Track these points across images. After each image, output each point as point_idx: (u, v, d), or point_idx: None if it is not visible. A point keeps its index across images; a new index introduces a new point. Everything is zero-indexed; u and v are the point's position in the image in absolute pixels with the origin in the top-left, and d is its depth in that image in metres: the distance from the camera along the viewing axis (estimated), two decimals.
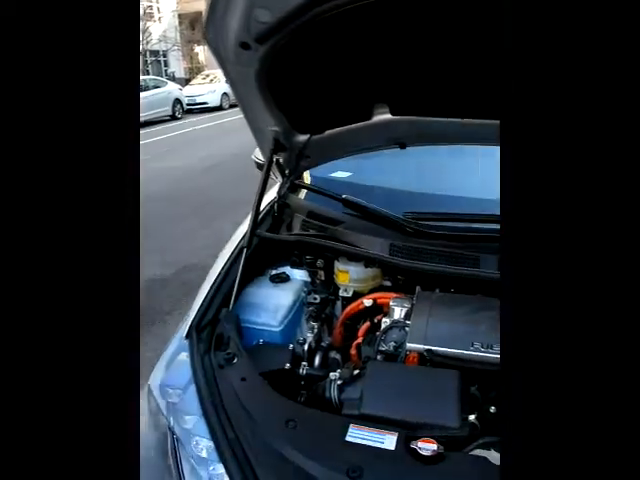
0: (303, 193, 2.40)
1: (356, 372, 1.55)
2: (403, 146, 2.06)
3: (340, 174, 2.61)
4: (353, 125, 1.90)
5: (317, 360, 1.80)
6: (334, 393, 1.52)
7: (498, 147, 2.16)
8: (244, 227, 2.01)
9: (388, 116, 1.84)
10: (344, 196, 2.13)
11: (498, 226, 1.96)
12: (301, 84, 1.77)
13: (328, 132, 1.98)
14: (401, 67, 1.61)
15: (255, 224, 1.92)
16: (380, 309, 1.89)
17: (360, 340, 1.82)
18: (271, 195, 2.28)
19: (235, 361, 1.52)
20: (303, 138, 2.05)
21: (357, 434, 1.30)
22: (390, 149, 2.12)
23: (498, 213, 1.98)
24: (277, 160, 2.12)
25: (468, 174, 2.54)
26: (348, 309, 1.96)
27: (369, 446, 1.27)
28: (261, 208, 2.11)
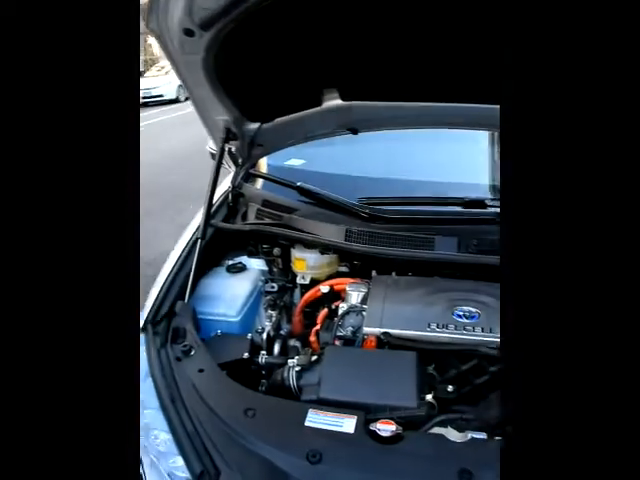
0: (259, 182, 2.38)
1: (314, 358, 1.55)
2: (355, 132, 2.06)
3: (295, 162, 2.60)
4: (304, 112, 1.90)
5: (276, 348, 1.80)
6: (292, 380, 1.52)
7: (452, 129, 2.19)
8: (198, 218, 1.99)
9: (338, 101, 1.84)
10: (298, 184, 2.12)
11: (452, 208, 2.01)
12: (249, 71, 1.76)
13: (279, 119, 1.96)
14: (349, 52, 1.61)
15: (209, 215, 1.90)
16: (338, 295, 1.90)
17: (319, 327, 1.83)
18: (226, 185, 2.26)
19: (192, 353, 1.51)
20: (254, 126, 2.04)
21: (316, 419, 1.31)
22: (343, 135, 2.12)
23: (452, 195, 2.02)
24: (230, 149, 2.10)
25: (422, 157, 2.56)
26: (306, 296, 1.97)
27: (328, 430, 1.27)
28: (215, 198, 2.09)
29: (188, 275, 1.76)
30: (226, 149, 2.03)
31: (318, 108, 1.88)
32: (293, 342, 1.85)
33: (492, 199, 2.04)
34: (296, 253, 2.00)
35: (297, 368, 1.53)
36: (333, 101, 1.84)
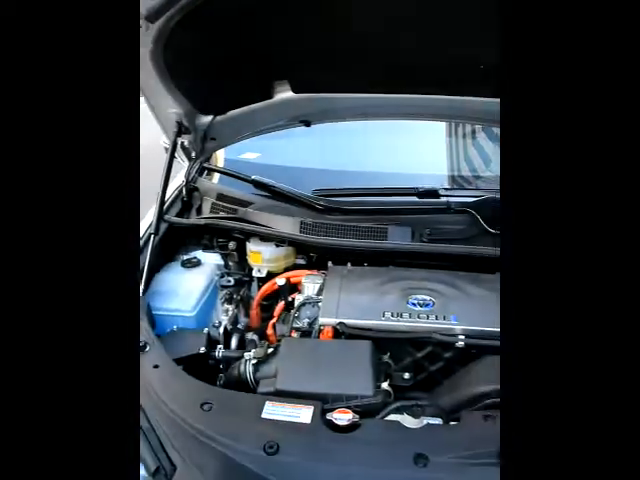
0: (215, 176, 2.36)
1: (270, 350, 1.56)
2: (308, 124, 2.06)
3: (250, 155, 2.59)
4: (256, 104, 1.89)
5: (234, 342, 1.80)
6: (249, 373, 1.52)
7: (404, 121, 2.20)
8: (151, 214, 1.96)
9: (290, 94, 1.83)
10: (253, 177, 2.11)
11: (405, 198, 2.03)
12: (199, 63, 1.73)
13: (231, 113, 1.95)
14: (298, 43, 1.61)
15: (161, 210, 1.87)
16: (295, 288, 1.90)
17: (276, 319, 1.83)
18: (179, 179, 2.23)
19: (147, 349, 1.49)
20: (207, 120, 2.02)
21: (273, 410, 1.31)
22: (296, 127, 2.11)
23: (405, 185, 2.04)
24: (182, 143, 2.07)
25: (375, 149, 2.58)
26: (263, 290, 1.97)
27: (285, 421, 1.28)
28: (168, 193, 2.06)
29: (142, 271, 1.74)
30: (179, 143, 2.00)
31: (270, 101, 1.87)
32: (251, 335, 1.85)
33: (445, 189, 2.07)
34: (252, 246, 1.99)
35: (253, 361, 1.53)
36: (284, 93, 1.84)
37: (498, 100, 1.70)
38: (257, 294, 2.00)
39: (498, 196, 2.09)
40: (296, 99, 1.84)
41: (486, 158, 2.71)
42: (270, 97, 1.85)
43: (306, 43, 1.63)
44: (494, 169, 2.65)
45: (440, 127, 2.78)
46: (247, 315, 2.04)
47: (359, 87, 1.85)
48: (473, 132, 2.80)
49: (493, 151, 2.73)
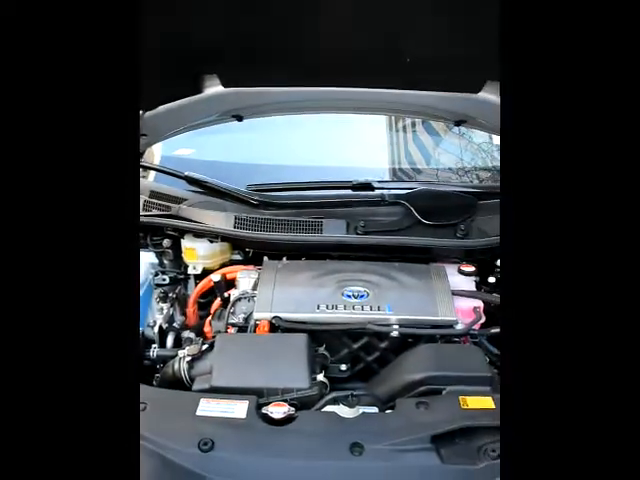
0: (149, 174, 2.31)
1: (205, 347, 1.54)
2: (240, 118, 2.04)
3: (184, 151, 2.56)
4: (186, 99, 1.85)
5: (169, 341, 1.77)
6: (184, 370, 1.51)
7: (340, 114, 2.19)
8: None
9: (220, 88, 1.81)
10: (186, 173, 2.08)
11: (340, 191, 2.04)
12: None
13: (161, 108, 1.90)
14: (225, 37, 1.58)
15: None
16: (232, 284, 1.89)
17: (212, 316, 1.81)
18: None
19: None
20: None
21: (208, 407, 1.30)
22: (229, 122, 2.09)
23: (340, 179, 2.04)
24: None
25: (311, 143, 2.58)
26: (199, 287, 1.95)
27: (220, 417, 1.27)
28: None
29: None
30: None
31: (200, 95, 1.83)
32: (187, 334, 1.82)
33: (379, 181, 2.09)
34: (186, 243, 1.96)
35: (188, 358, 1.52)
36: (214, 88, 1.81)
37: (428, 93, 1.77)
38: (193, 292, 1.97)
39: (431, 187, 2.14)
40: (226, 93, 1.82)
41: (424, 151, 2.77)
42: (200, 91, 1.82)
43: (235, 36, 1.61)
44: (431, 162, 2.72)
45: (379, 120, 2.81)
46: (183, 313, 2.01)
47: (291, 81, 1.85)
48: (413, 125, 2.84)
49: (431, 144, 2.79)
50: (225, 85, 1.79)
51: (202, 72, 1.74)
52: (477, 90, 1.74)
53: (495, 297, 1.79)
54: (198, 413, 1.28)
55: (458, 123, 2.04)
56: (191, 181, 2.08)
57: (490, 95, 1.74)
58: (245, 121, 2.10)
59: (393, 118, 2.82)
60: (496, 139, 2.62)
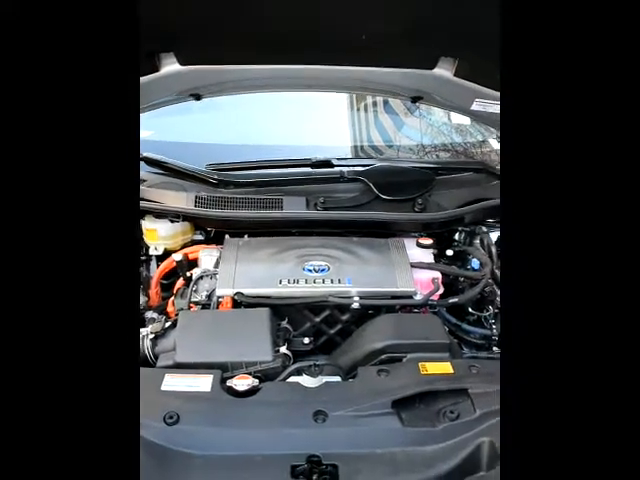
0: None
1: (168, 324, 1.55)
2: (198, 97, 2.02)
3: (142, 134, 2.51)
4: (142, 79, 1.83)
5: None
6: (147, 348, 1.51)
7: (299, 92, 2.18)
8: None
9: (177, 67, 1.79)
10: (144, 154, 2.06)
11: (299, 169, 2.05)
12: None
13: None
14: (179, 12, 1.57)
15: None
16: (195, 264, 1.89)
17: (174, 295, 1.81)
18: None
19: None
20: None
21: (172, 382, 1.31)
22: (187, 102, 2.08)
23: (300, 157, 2.05)
24: None
25: (270, 122, 2.58)
26: (161, 268, 1.93)
27: (185, 392, 1.28)
28: None
29: None
30: None
31: (156, 74, 1.81)
32: (150, 314, 1.82)
33: (338, 159, 2.10)
34: (147, 224, 1.95)
35: (151, 336, 1.52)
36: (171, 66, 1.79)
37: (384, 70, 1.78)
38: (155, 273, 1.96)
39: (389, 164, 2.17)
40: (184, 72, 1.80)
41: (384, 130, 2.79)
42: (156, 70, 1.80)
43: (189, 13, 1.59)
44: (391, 141, 2.74)
45: (340, 99, 2.82)
46: (146, 295, 2.00)
47: (249, 58, 1.84)
48: (374, 104, 2.86)
49: (391, 124, 2.82)
50: (182, 63, 1.77)
51: (158, 50, 1.72)
52: (432, 66, 1.76)
53: (453, 269, 1.84)
54: (163, 388, 1.29)
55: (415, 100, 2.07)
56: (149, 162, 2.06)
57: (445, 71, 1.77)
58: (204, 101, 2.08)
59: (354, 97, 2.83)
60: (454, 118, 2.67)
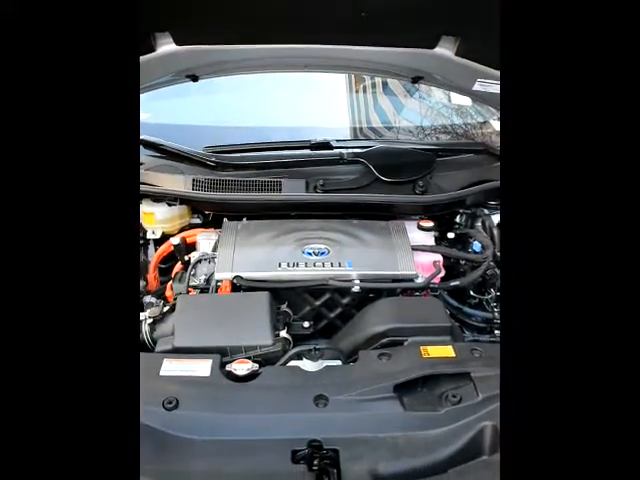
0: None
1: (166, 309, 1.53)
2: (195, 79, 1.99)
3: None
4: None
5: None
6: (146, 333, 1.50)
7: (298, 72, 2.15)
8: None
9: (173, 47, 1.75)
10: (142, 137, 2.03)
11: (299, 152, 2.03)
12: None
13: None
14: None
15: None
16: (193, 248, 1.87)
17: (172, 279, 1.80)
18: None
19: None
20: None
21: (171, 367, 1.29)
22: (184, 83, 2.04)
23: (298, 139, 2.02)
24: None
25: (268, 104, 2.55)
26: (159, 252, 1.92)
27: (184, 376, 1.27)
28: None
29: None
30: None
31: (152, 54, 1.78)
32: (149, 298, 1.80)
33: (338, 140, 2.07)
34: (144, 208, 1.93)
35: (149, 321, 1.51)
36: (167, 46, 1.76)
37: (385, 49, 1.75)
38: (153, 257, 1.95)
39: (389, 145, 2.14)
40: (180, 52, 1.76)
41: (383, 112, 2.76)
42: (152, 50, 1.76)
43: None
44: (390, 123, 2.71)
45: (339, 80, 2.78)
46: (145, 279, 1.99)
47: (246, 38, 1.80)
48: (373, 86, 2.82)
49: (390, 105, 2.78)
50: (178, 43, 1.74)
51: (154, 30, 1.69)
52: (433, 45, 1.73)
53: (454, 251, 1.82)
54: (162, 373, 1.27)
55: (415, 80, 2.04)
56: (146, 145, 2.03)
57: (446, 51, 1.74)
58: (201, 83, 2.05)
59: (353, 78, 2.79)
60: (454, 99, 2.64)
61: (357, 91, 2.80)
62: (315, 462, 1.08)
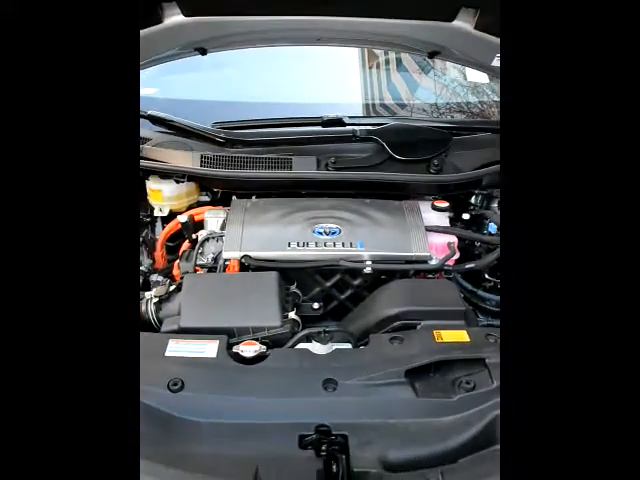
0: None
1: (172, 288, 1.50)
2: (204, 52, 1.93)
3: (147, 91, 2.44)
4: (144, 31, 1.74)
5: None
6: (151, 312, 1.47)
7: (309, 46, 2.09)
8: None
9: (181, 18, 1.70)
10: (149, 112, 1.98)
11: (310, 128, 1.98)
12: None
13: None
14: None
15: None
16: (200, 226, 1.83)
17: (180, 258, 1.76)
18: None
19: None
20: None
21: (177, 348, 1.27)
22: (192, 56, 1.99)
23: (310, 116, 1.98)
24: None
25: (278, 78, 2.49)
26: (166, 229, 1.89)
27: (190, 357, 1.24)
28: None
29: None
30: None
31: (160, 26, 1.72)
32: (155, 277, 1.77)
33: (350, 117, 2.02)
34: (151, 185, 1.89)
35: (155, 300, 1.48)
36: (174, 17, 1.70)
37: (400, 22, 1.69)
38: (161, 234, 1.92)
39: (403, 123, 2.08)
40: (188, 23, 1.71)
41: (397, 89, 2.70)
42: (159, 22, 1.71)
43: None
44: (404, 99, 2.65)
45: (352, 55, 2.72)
46: (151, 257, 1.96)
47: (256, 9, 1.74)
48: (387, 62, 2.76)
49: (404, 83, 2.72)
50: (186, 14, 1.68)
51: (160, 0, 1.63)
52: (451, 18, 1.66)
53: (469, 233, 1.77)
54: (167, 354, 1.25)
55: (431, 55, 1.97)
56: (154, 120, 1.98)
57: (465, 24, 1.68)
58: (210, 56, 2.00)
59: (366, 54, 2.73)
60: (470, 75, 2.57)
61: (370, 67, 2.74)
62: (323, 448, 1.05)
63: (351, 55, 2.72)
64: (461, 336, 1.31)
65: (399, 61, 2.74)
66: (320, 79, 2.54)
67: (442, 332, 1.31)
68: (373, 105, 2.58)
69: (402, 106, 2.60)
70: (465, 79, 2.61)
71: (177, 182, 1.86)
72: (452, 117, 2.51)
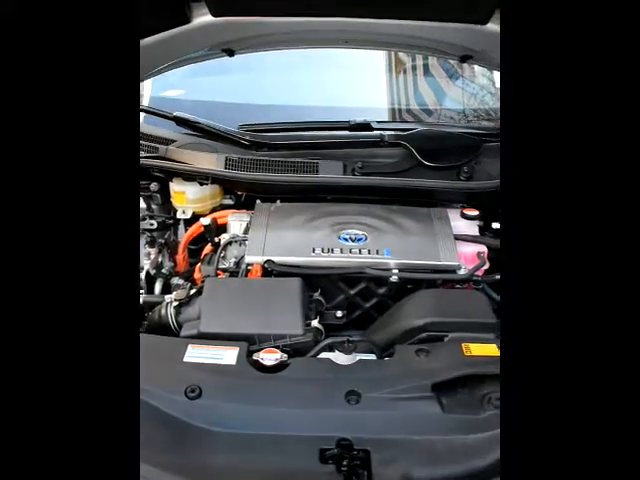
0: (140, 116, 2.20)
1: (193, 292, 1.47)
2: (231, 53, 1.91)
3: (173, 93, 2.44)
4: (172, 31, 1.72)
5: (157, 288, 1.72)
6: (171, 316, 1.44)
7: (337, 48, 2.07)
8: None
9: (209, 18, 1.68)
10: (175, 113, 1.97)
11: (337, 132, 1.95)
12: None
13: (145, 41, 1.78)
14: None
15: None
16: (224, 229, 1.80)
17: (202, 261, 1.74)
18: None
19: None
20: None
21: (195, 354, 1.24)
22: (218, 58, 1.97)
23: (337, 119, 1.95)
24: None
25: (306, 81, 2.47)
26: (189, 232, 1.87)
27: (208, 364, 1.21)
28: None
29: None
30: None
31: (187, 26, 1.71)
32: (177, 280, 1.75)
33: (378, 122, 1.98)
34: (175, 186, 1.87)
35: (175, 303, 1.45)
36: (203, 17, 1.69)
37: (432, 24, 1.65)
38: (183, 237, 1.90)
39: (432, 128, 2.03)
40: (216, 24, 1.69)
41: (424, 94, 2.66)
42: (187, 22, 1.69)
43: None
44: (433, 104, 2.60)
45: (379, 59, 2.69)
46: (173, 260, 1.94)
47: (285, 10, 1.72)
48: (414, 68, 2.72)
49: (432, 88, 2.68)
50: (214, 14, 1.66)
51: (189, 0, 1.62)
52: (485, 21, 1.62)
53: (499, 243, 1.72)
54: (185, 360, 1.22)
55: (463, 59, 1.92)
56: (180, 121, 1.97)
57: (499, 27, 1.62)
58: (237, 58, 1.98)
59: (393, 59, 2.69)
60: (499, 83, 2.52)
61: (397, 72, 2.70)
62: (344, 463, 1.01)
63: (378, 59, 2.69)
64: (491, 350, 1.26)
65: (426, 67, 2.70)
66: (347, 83, 2.51)
67: (471, 345, 1.27)
68: (399, 110, 2.53)
69: (429, 112, 2.55)
70: (494, 85, 2.56)
71: (201, 184, 1.84)
72: (481, 125, 2.45)
